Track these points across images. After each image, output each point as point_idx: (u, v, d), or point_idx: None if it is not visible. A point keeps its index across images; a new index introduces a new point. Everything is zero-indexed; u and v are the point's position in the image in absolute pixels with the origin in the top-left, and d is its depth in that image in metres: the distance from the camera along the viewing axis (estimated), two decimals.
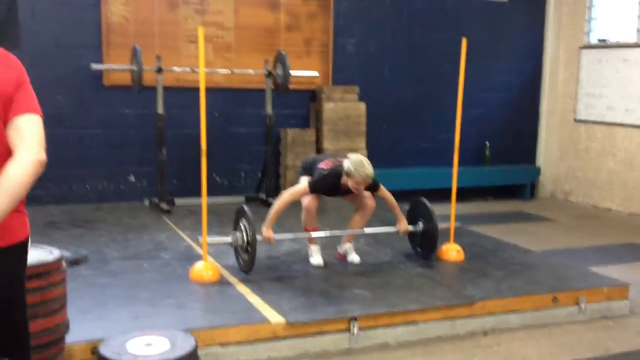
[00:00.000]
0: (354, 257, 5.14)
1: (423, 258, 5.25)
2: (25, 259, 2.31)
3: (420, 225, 5.24)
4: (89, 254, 5.16)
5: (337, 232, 5.26)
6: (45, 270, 2.99)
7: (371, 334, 4.04)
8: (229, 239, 4.77)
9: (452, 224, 5.35)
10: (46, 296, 2.99)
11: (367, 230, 5.27)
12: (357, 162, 4.66)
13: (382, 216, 6.00)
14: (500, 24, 8.90)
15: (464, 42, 5.24)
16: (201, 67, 4.58)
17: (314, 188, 4.83)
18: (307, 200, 4.90)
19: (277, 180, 7.98)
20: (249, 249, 4.66)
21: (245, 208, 4.78)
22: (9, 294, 2.25)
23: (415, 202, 5.38)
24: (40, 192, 7.13)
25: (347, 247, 5.21)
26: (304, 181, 4.90)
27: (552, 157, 9.33)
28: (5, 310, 2.24)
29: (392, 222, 5.28)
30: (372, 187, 4.92)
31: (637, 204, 8.10)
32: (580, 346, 4.15)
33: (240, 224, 4.77)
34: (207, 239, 4.69)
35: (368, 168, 4.67)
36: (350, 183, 4.72)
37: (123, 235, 5.93)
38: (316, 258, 5.05)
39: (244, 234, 4.70)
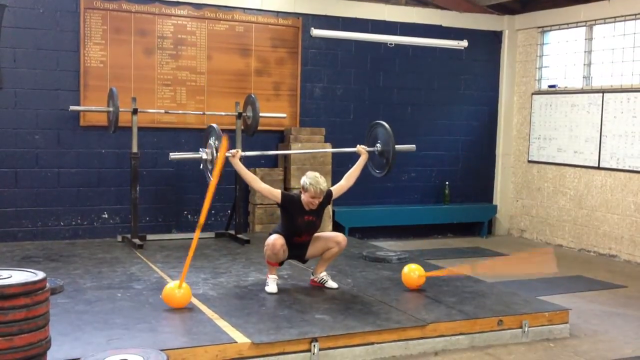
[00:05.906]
0: (331, 284, 5.56)
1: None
2: None
3: (379, 146, 5.90)
4: (65, 285, 5.43)
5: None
6: (31, 289, 3.29)
7: (331, 354, 4.36)
8: (198, 154, 5.19)
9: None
10: (31, 313, 3.28)
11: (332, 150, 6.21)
12: (312, 178, 5.27)
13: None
14: (458, 70, 9.46)
15: None
16: None
17: (284, 196, 5.37)
18: (273, 238, 5.29)
19: (246, 217, 8.32)
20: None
21: (214, 126, 5.21)
22: None
23: (375, 124, 6.12)
24: (16, 229, 7.39)
25: (323, 275, 5.59)
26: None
27: (508, 196, 9.83)
28: None
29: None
30: (328, 197, 5.44)
31: (586, 241, 8.58)
32: None
33: (210, 141, 5.17)
34: (175, 154, 5.29)
35: (322, 183, 5.25)
36: (305, 199, 5.25)
37: (97, 268, 6.20)
38: (271, 286, 5.40)
39: (213, 149, 5.12)
